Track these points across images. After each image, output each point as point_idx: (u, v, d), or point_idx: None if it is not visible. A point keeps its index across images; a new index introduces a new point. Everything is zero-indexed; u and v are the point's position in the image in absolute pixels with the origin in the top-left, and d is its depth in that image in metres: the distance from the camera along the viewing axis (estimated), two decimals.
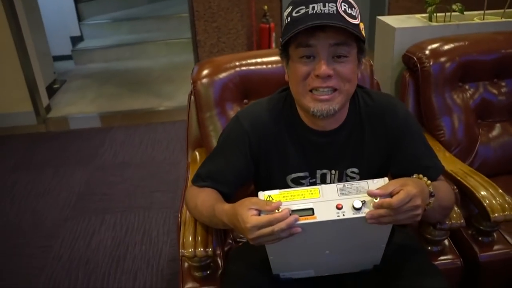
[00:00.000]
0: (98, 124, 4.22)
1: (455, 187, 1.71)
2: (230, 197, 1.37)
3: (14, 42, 3.89)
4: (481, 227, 1.59)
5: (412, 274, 1.29)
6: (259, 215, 1.09)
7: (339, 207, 1.09)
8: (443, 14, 2.32)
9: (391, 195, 1.08)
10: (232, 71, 1.85)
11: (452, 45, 2.05)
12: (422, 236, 1.54)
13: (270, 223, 1.05)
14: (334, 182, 1.36)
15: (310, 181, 1.37)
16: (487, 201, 1.55)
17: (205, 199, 1.35)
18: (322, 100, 1.21)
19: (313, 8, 1.15)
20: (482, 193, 1.59)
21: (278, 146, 1.36)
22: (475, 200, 1.59)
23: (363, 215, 1.07)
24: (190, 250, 1.36)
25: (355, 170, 1.36)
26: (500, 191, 1.59)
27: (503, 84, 2.10)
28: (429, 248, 1.55)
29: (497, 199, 1.55)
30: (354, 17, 1.17)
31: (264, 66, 1.85)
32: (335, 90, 1.21)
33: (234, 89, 1.84)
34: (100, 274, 2.35)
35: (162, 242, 2.54)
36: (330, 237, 1.17)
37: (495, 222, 1.53)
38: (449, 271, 1.52)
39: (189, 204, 1.43)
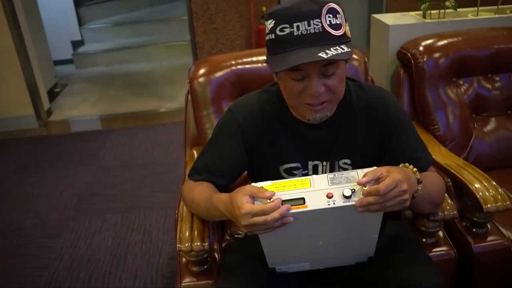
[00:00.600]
0: (100, 126, 4.25)
1: (449, 180, 1.74)
2: (226, 190, 1.39)
3: (15, 46, 3.93)
4: (475, 219, 1.61)
5: (405, 264, 1.30)
6: (253, 203, 1.12)
7: (329, 196, 1.11)
8: (437, 11, 2.35)
9: (378, 183, 1.10)
10: (228, 69, 1.88)
11: (445, 41, 2.07)
12: (416, 228, 1.55)
13: (263, 212, 1.08)
14: (325, 173, 1.38)
15: (303, 172, 1.39)
16: (480, 193, 1.57)
17: (202, 191, 1.38)
18: (316, 110, 1.25)
19: (298, 28, 1.15)
20: (476, 185, 1.61)
21: (270, 138, 1.39)
22: (469, 192, 1.61)
23: (353, 203, 1.10)
24: (187, 244, 1.38)
25: (348, 161, 1.39)
26: (493, 183, 1.61)
27: (497, 79, 2.12)
28: (424, 240, 1.56)
29: (490, 191, 1.57)
30: (339, 26, 1.18)
31: (260, 65, 1.88)
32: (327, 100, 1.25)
33: (231, 87, 1.87)
34: (101, 273, 2.37)
35: (163, 241, 2.57)
36: (322, 227, 1.19)
37: (488, 213, 1.55)
38: (444, 263, 1.54)
39: (186, 197, 1.45)
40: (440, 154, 1.89)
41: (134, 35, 6.14)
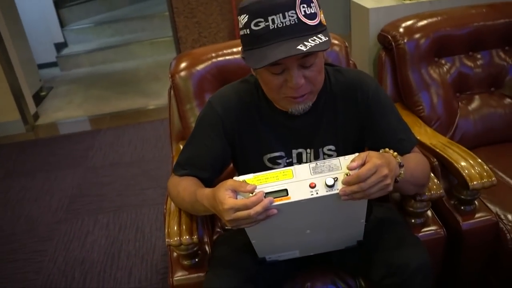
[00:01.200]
0: (87, 127, 4.22)
1: (435, 159, 1.74)
2: (211, 183, 1.39)
3: None
4: (462, 196, 1.62)
5: (392, 246, 1.31)
6: (236, 197, 1.11)
7: (312, 186, 1.10)
8: None
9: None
10: (209, 62, 1.88)
11: (425, 22, 2.08)
12: (404, 210, 1.56)
13: (246, 207, 1.07)
14: (310, 161, 1.38)
15: (287, 161, 1.39)
16: (466, 171, 1.58)
17: (186, 186, 1.37)
18: (298, 102, 1.26)
19: (273, 22, 1.13)
20: (461, 163, 1.62)
21: (251, 128, 1.39)
22: (454, 171, 1.62)
23: (336, 191, 1.09)
24: (175, 238, 1.38)
25: (332, 147, 1.39)
26: (479, 160, 1.62)
27: (479, 56, 2.13)
28: (412, 220, 1.57)
29: (476, 168, 1.58)
30: (315, 15, 1.16)
31: (240, 56, 1.87)
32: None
33: (212, 79, 1.87)
34: (96, 272, 2.37)
35: (155, 237, 2.57)
36: (308, 216, 1.19)
37: (474, 190, 1.56)
38: (433, 242, 1.55)
39: (172, 192, 1.45)
40: (425, 134, 1.90)
41: (116, 34, 6.10)
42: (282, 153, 1.39)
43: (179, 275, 1.48)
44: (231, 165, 1.52)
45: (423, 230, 1.56)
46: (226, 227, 1.76)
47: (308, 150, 1.39)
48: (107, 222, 2.76)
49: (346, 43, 1.94)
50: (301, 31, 1.14)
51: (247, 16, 1.17)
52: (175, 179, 1.45)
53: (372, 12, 2.24)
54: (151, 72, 5.28)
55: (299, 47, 1.11)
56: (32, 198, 3.11)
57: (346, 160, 1.13)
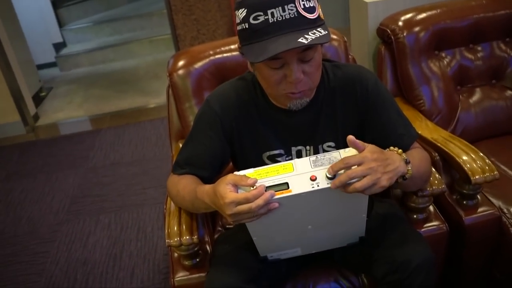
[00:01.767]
0: (88, 127, 4.21)
1: (436, 154, 1.73)
2: (210, 181, 1.37)
3: None
4: (464, 191, 1.60)
5: (395, 242, 1.31)
6: (237, 191, 1.10)
7: (313, 179, 1.10)
8: None
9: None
10: (207, 60, 1.86)
11: (425, 15, 2.05)
12: (406, 205, 1.55)
13: (247, 200, 1.06)
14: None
15: (286, 158, 1.38)
16: (468, 165, 1.56)
17: (186, 184, 1.36)
18: (297, 98, 1.25)
19: (272, 15, 1.12)
20: (463, 157, 1.60)
21: (250, 126, 1.38)
22: (456, 165, 1.61)
23: None
24: (176, 239, 1.38)
25: (331, 144, 1.37)
26: (481, 154, 1.61)
27: (479, 48, 2.11)
28: (415, 216, 1.55)
29: (478, 162, 1.57)
30: (314, 9, 1.15)
31: (238, 53, 1.84)
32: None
33: (211, 77, 1.85)
34: (98, 273, 2.36)
35: (157, 237, 2.56)
36: (309, 210, 1.18)
37: (476, 184, 1.54)
38: (435, 237, 1.53)
39: (171, 191, 1.44)
40: (426, 129, 1.88)
41: (115, 33, 6.08)
42: (282, 151, 1.38)
43: (180, 276, 1.47)
44: (231, 163, 1.51)
45: (425, 225, 1.55)
46: (227, 226, 1.75)
47: (308, 147, 1.37)
48: (109, 222, 2.75)
49: (345, 38, 1.92)
50: (301, 24, 1.13)
51: (245, 10, 1.15)
52: (174, 178, 1.44)
53: (370, 6, 2.22)
54: (151, 70, 5.27)
55: (300, 40, 1.10)
56: (33, 199, 3.10)
57: (346, 153, 1.13)
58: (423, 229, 1.53)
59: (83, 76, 5.48)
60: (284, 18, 1.12)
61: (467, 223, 1.59)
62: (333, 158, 1.12)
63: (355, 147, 1.11)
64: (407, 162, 1.20)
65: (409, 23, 2.03)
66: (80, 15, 6.19)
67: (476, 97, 2.09)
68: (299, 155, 1.38)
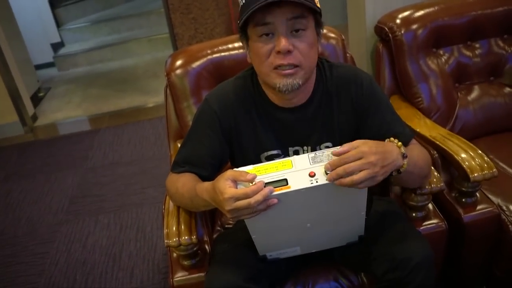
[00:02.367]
0: (86, 127, 4.21)
1: (435, 152, 1.73)
2: (209, 180, 1.37)
3: None
4: (463, 189, 1.60)
5: (395, 240, 1.30)
6: (236, 187, 1.11)
7: (311, 175, 1.10)
8: None
9: None
10: (204, 59, 1.86)
11: (422, 12, 2.05)
12: (405, 203, 1.55)
13: (246, 195, 1.07)
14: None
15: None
16: (466, 163, 1.56)
17: (185, 182, 1.37)
18: (286, 75, 1.22)
19: None
20: (462, 155, 1.60)
21: (248, 125, 1.38)
22: (455, 163, 1.61)
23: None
24: (174, 239, 1.38)
25: (329, 144, 1.37)
26: (479, 151, 1.61)
27: (477, 45, 2.10)
28: (414, 214, 1.55)
29: (476, 159, 1.57)
30: None
31: (236, 51, 1.86)
32: (296, 66, 1.22)
33: (209, 76, 1.85)
34: (98, 273, 2.36)
35: (156, 236, 2.55)
36: (308, 207, 1.18)
37: (475, 182, 1.54)
38: (435, 235, 1.53)
39: (170, 190, 1.44)
40: (425, 126, 1.88)
41: (113, 32, 6.07)
42: (279, 151, 1.38)
43: (179, 276, 1.47)
44: (229, 163, 1.51)
45: (424, 223, 1.55)
46: (226, 226, 1.74)
47: (305, 148, 1.37)
48: (108, 222, 2.75)
49: (343, 36, 1.92)
50: None
51: None
52: (173, 176, 1.44)
53: (368, 3, 2.21)
54: (149, 69, 5.27)
55: None
56: (33, 200, 3.10)
57: None
58: (422, 227, 1.53)
59: (82, 75, 5.48)
60: None
61: (466, 221, 1.59)
62: (331, 155, 1.13)
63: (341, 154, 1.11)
64: (404, 157, 1.20)
65: (406, 21, 2.02)
66: (78, 14, 6.18)
67: (474, 94, 2.09)
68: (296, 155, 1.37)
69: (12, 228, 2.84)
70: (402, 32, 1.99)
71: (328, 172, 1.09)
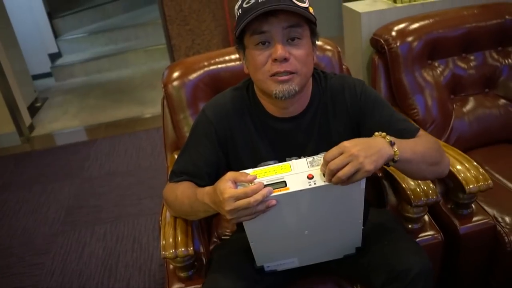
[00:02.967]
0: (83, 137, 4.21)
1: None
2: None
3: None
4: (459, 200, 1.60)
5: (393, 251, 1.31)
6: (236, 188, 1.12)
7: (310, 177, 1.12)
8: None
9: None
10: (201, 71, 1.87)
11: (417, 24, 2.07)
12: (401, 215, 1.56)
13: (246, 195, 1.08)
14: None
15: None
16: (462, 174, 1.56)
17: (184, 189, 1.37)
18: (282, 81, 1.24)
19: None
20: (457, 167, 1.60)
21: (244, 135, 1.39)
22: (450, 174, 1.60)
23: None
24: (171, 251, 1.37)
25: None
26: (474, 163, 1.61)
27: (472, 57, 2.12)
28: (410, 226, 1.56)
29: (471, 171, 1.57)
30: (303, 1, 1.21)
31: (233, 63, 1.87)
32: (293, 72, 1.24)
33: (205, 88, 1.86)
34: (93, 285, 2.35)
35: (153, 247, 2.55)
36: (306, 211, 1.19)
37: (470, 194, 1.54)
38: (431, 247, 1.54)
39: (169, 198, 1.44)
40: None
41: (110, 43, 6.10)
42: (276, 161, 1.38)
43: (176, 287, 1.47)
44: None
45: (420, 235, 1.56)
46: (222, 237, 1.74)
47: (302, 157, 1.37)
48: (104, 233, 2.74)
49: (339, 48, 1.93)
50: (287, 3, 1.18)
51: (240, 0, 1.25)
52: (171, 185, 1.44)
53: (364, 16, 2.23)
54: (146, 80, 5.28)
55: (281, 6, 1.17)
56: (29, 210, 3.09)
57: None
58: (418, 239, 1.54)
59: (79, 86, 5.49)
60: None
61: (462, 232, 1.60)
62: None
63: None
64: (391, 144, 1.18)
65: (402, 33, 2.04)
66: (75, 25, 6.20)
67: (469, 105, 2.11)
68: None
69: (8, 238, 2.83)
70: (398, 44, 2.01)
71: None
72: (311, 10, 1.25)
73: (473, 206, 1.65)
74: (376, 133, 1.22)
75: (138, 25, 6.18)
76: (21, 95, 4.30)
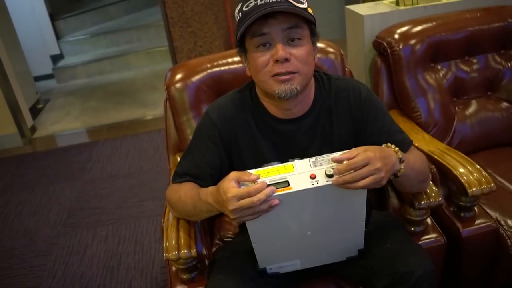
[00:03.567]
0: (85, 139, 4.21)
1: (433, 166, 1.73)
2: None
3: None
4: (461, 203, 1.61)
5: (396, 254, 1.31)
6: (239, 188, 1.13)
7: (312, 177, 1.13)
8: None
9: None
10: (204, 73, 1.87)
11: (420, 27, 2.07)
12: (404, 218, 1.55)
13: (249, 194, 1.09)
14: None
15: None
16: (465, 177, 1.57)
17: (188, 189, 1.38)
18: (284, 81, 1.25)
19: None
20: (460, 170, 1.61)
21: (248, 137, 1.40)
22: (453, 177, 1.61)
23: None
24: (174, 253, 1.38)
25: None
26: (477, 166, 1.62)
27: (474, 61, 2.12)
28: (412, 228, 1.56)
29: (474, 174, 1.58)
30: (301, 2, 1.23)
31: (235, 65, 1.87)
32: (294, 72, 1.25)
33: (208, 90, 1.86)
34: (95, 286, 2.35)
35: (155, 249, 2.55)
36: (309, 212, 1.20)
37: (473, 197, 1.55)
38: (433, 249, 1.54)
39: (172, 198, 1.44)
40: (423, 141, 1.89)
41: (112, 45, 6.10)
42: (278, 162, 1.38)
43: None
44: None
45: (423, 238, 1.56)
46: (225, 239, 1.74)
47: (305, 158, 1.38)
48: (106, 235, 2.74)
49: (341, 51, 1.93)
50: (286, 5, 1.21)
51: (241, 3, 1.26)
52: (175, 186, 1.45)
53: (366, 19, 2.24)
54: (148, 82, 5.29)
55: (280, 8, 1.19)
56: (31, 212, 3.09)
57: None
58: (420, 242, 1.54)
59: (80, 87, 5.49)
60: (271, 0, 1.20)
61: (465, 235, 1.60)
62: (331, 160, 1.16)
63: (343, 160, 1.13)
64: (401, 161, 1.23)
65: (405, 36, 2.04)
66: (77, 27, 6.21)
67: (472, 108, 2.11)
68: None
69: (10, 240, 2.83)
70: (400, 47, 2.01)
71: (328, 174, 1.12)
72: (310, 10, 1.26)
73: (475, 209, 1.65)
74: (389, 144, 1.26)
75: (140, 27, 6.19)
76: (23, 97, 4.30)
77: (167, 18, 3.90)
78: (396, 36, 2.05)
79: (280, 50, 1.22)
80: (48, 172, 3.61)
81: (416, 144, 1.84)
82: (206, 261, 1.55)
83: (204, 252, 1.57)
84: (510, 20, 2.09)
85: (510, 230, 1.63)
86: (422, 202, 1.46)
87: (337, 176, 1.11)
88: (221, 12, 3.99)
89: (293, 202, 1.15)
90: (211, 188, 1.25)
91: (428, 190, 1.48)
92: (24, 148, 4.11)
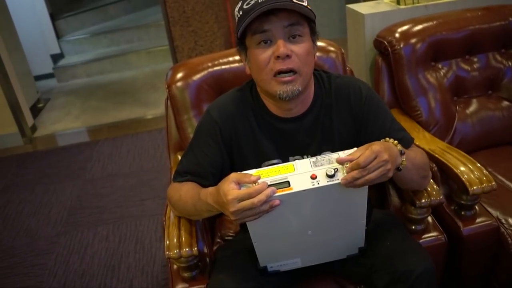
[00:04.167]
0: (85, 138, 4.21)
1: (434, 165, 1.74)
2: None
3: None
4: (462, 202, 1.61)
5: (396, 252, 1.32)
6: (240, 189, 1.13)
7: (313, 177, 1.13)
8: None
9: None
10: (205, 72, 1.87)
11: (421, 26, 2.07)
12: (405, 216, 1.56)
13: (249, 195, 1.09)
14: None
15: None
16: (465, 176, 1.57)
17: (188, 189, 1.38)
18: (286, 82, 1.26)
19: None
20: (461, 168, 1.61)
21: (248, 135, 1.40)
22: (454, 176, 1.61)
23: (337, 181, 1.12)
24: (175, 251, 1.38)
25: (329, 152, 1.38)
26: (478, 164, 1.62)
27: (475, 60, 2.13)
28: (413, 227, 1.56)
29: (475, 172, 1.58)
30: (302, 0, 1.23)
31: (236, 64, 1.87)
32: (295, 72, 1.26)
33: (209, 89, 1.86)
34: (96, 286, 2.35)
35: (155, 248, 2.55)
36: (309, 211, 1.20)
37: (474, 195, 1.55)
38: (434, 248, 1.54)
39: (173, 197, 1.44)
40: (424, 139, 1.89)
41: (113, 44, 6.10)
42: (279, 161, 1.39)
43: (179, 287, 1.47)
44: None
45: (423, 236, 1.56)
46: (226, 238, 1.75)
47: (305, 157, 1.39)
48: (107, 234, 2.74)
49: (342, 50, 1.94)
50: (288, 1, 1.21)
51: (240, 2, 1.27)
52: (176, 185, 1.45)
53: (367, 17, 2.24)
54: (148, 81, 5.29)
55: (280, 4, 1.19)
56: (31, 211, 3.09)
57: (345, 154, 1.16)
58: (421, 240, 1.54)
59: (81, 87, 5.49)
60: None
61: (466, 234, 1.60)
62: (332, 159, 1.16)
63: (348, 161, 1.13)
64: (401, 153, 1.24)
65: (405, 35, 2.04)
66: (77, 26, 6.21)
67: (472, 107, 2.11)
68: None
69: (10, 239, 2.83)
70: (401, 46, 2.01)
71: (329, 174, 1.12)
72: (310, 7, 1.27)
73: (476, 207, 1.65)
74: (387, 139, 1.26)
75: (141, 27, 6.18)
76: (23, 96, 4.30)
77: (168, 17, 3.90)
78: (397, 35, 2.05)
79: (282, 46, 1.22)
80: (48, 172, 3.61)
81: (417, 143, 1.83)
82: (207, 260, 1.55)
83: (205, 250, 1.57)
84: (510, 19, 2.09)
85: (511, 228, 1.63)
86: (423, 201, 1.46)
87: (345, 174, 1.11)
88: (222, 11, 4.00)
89: (294, 203, 1.15)
90: (211, 189, 1.25)
91: (429, 189, 1.48)
92: (24, 148, 4.11)
